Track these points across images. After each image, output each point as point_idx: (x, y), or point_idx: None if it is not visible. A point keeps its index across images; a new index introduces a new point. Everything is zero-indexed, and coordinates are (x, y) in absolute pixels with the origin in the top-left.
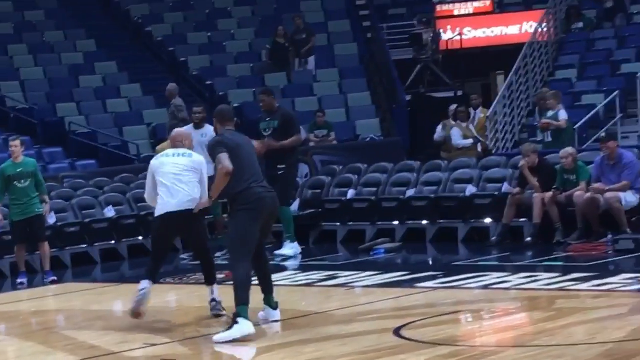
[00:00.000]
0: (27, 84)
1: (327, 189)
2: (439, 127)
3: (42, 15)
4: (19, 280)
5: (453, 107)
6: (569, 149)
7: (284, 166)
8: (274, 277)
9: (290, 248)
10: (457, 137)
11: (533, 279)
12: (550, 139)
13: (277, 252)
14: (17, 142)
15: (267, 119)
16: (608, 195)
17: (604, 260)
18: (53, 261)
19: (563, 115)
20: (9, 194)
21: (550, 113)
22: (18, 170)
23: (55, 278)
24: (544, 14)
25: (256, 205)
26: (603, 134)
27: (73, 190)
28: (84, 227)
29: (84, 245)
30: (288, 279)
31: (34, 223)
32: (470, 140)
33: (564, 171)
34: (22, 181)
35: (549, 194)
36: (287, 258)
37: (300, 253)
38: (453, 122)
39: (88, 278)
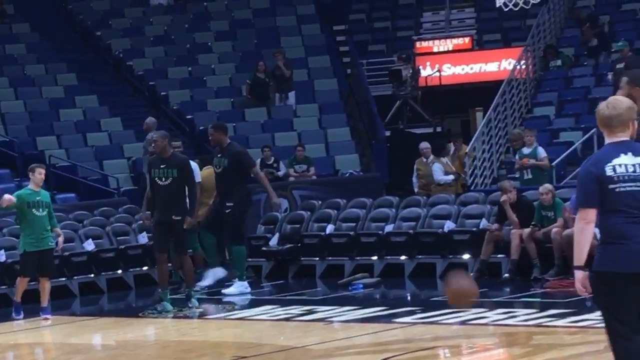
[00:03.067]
0: (7, 117)
1: (306, 223)
2: (415, 167)
3: (23, 48)
4: (14, 316)
5: (423, 144)
6: (548, 186)
7: (231, 204)
8: (253, 311)
9: (238, 287)
10: (439, 172)
11: (511, 314)
12: (530, 176)
13: (224, 291)
14: (44, 170)
15: (219, 155)
16: None
17: (581, 297)
18: (31, 294)
19: (542, 153)
20: (24, 223)
21: (527, 150)
22: (37, 198)
23: (48, 316)
24: (522, 52)
25: None
26: None
27: None
28: (64, 260)
29: (64, 279)
30: (266, 313)
31: (44, 256)
32: (452, 176)
33: (542, 207)
34: (41, 210)
35: (527, 230)
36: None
37: (249, 292)
38: (425, 160)
39: (67, 311)
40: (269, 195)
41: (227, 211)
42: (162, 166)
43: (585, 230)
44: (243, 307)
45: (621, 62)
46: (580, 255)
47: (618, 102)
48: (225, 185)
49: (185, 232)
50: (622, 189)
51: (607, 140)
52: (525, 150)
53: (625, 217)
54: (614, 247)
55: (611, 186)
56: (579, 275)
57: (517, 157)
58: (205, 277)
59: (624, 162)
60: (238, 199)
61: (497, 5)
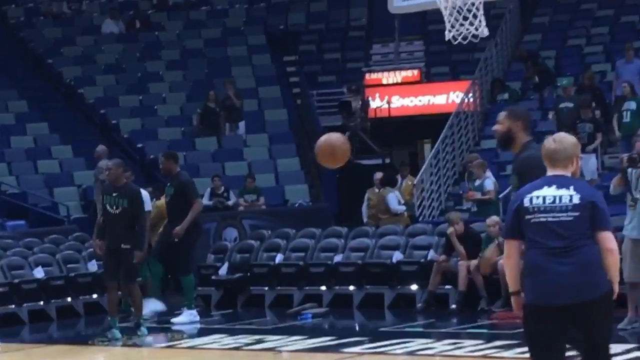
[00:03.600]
0: None
1: (255, 253)
2: (366, 196)
3: None
4: None
5: (378, 175)
6: (495, 218)
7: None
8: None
9: (188, 316)
10: (395, 202)
11: (457, 345)
12: (475, 209)
13: (173, 320)
14: None
15: (168, 184)
16: None
17: None
18: None
19: (489, 185)
20: None
21: (476, 182)
22: None
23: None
24: (470, 85)
25: None
26: None
27: (2, 250)
28: (13, 288)
29: (13, 306)
30: (216, 342)
31: None
32: (404, 207)
33: (489, 240)
34: None
35: (474, 261)
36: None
37: (198, 321)
38: (377, 190)
39: (16, 339)
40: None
41: (175, 240)
42: (114, 194)
43: (507, 259)
44: (192, 336)
45: (564, 102)
46: (510, 283)
47: (564, 137)
48: (173, 215)
49: (133, 260)
50: (536, 220)
51: (547, 174)
52: (476, 183)
53: (540, 249)
54: (531, 280)
55: (527, 217)
56: (513, 300)
57: (469, 185)
58: (181, 315)
59: (542, 194)
60: (188, 229)
61: (447, 38)
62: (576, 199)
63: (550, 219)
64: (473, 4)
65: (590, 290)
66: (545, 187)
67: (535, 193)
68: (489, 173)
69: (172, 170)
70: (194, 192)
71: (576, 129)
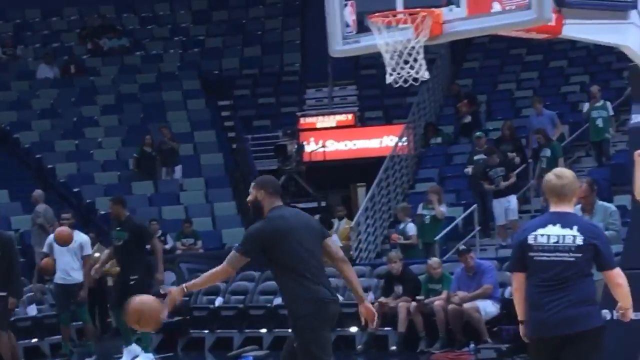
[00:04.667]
0: None
1: (194, 296)
2: None
3: None
4: None
5: (315, 217)
6: (437, 260)
7: (136, 276)
8: None
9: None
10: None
11: None
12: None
13: None
14: None
15: (117, 229)
16: (467, 305)
17: None
18: None
19: (411, 230)
20: None
21: (400, 226)
22: None
23: None
24: (404, 129)
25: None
26: (462, 247)
27: None
28: None
29: None
30: None
31: None
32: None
33: (429, 280)
34: None
35: (414, 303)
36: None
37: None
38: None
39: None
40: (158, 269)
41: (131, 283)
42: None
43: (515, 292)
44: None
45: (478, 154)
46: (518, 312)
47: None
48: (126, 258)
49: (5, 308)
50: (539, 258)
51: (550, 210)
52: (400, 226)
53: (539, 285)
54: (530, 314)
55: (530, 254)
56: (520, 328)
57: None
58: (125, 354)
59: (547, 233)
60: (142, 271)
61: (387, 81)
62: (579, 240)
63: (553, 258)
64: (413, 48)
65: (582, 322)
66: (550, 226)
67: (540, 231)
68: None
69: (121, 215)
70: (149, 232)
71: (489, 177)
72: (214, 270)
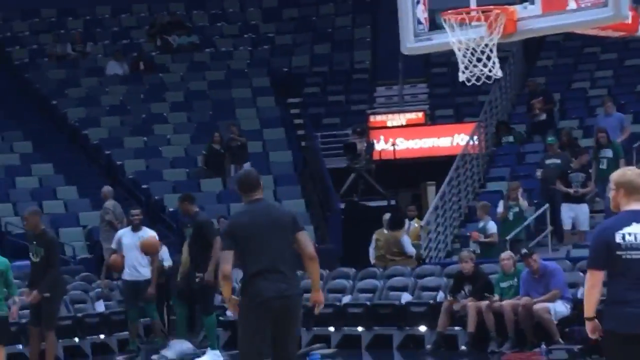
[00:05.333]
0: None
1: None
2: (374, 237)
3: None
4: None
5: (387, 216)
6: (508, 252)
7: (201, 274)
8: None
9: (212, 356)
10: (409, 244)
11: None
12: (478, 251)
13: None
14: None
15: (188, 226)
16: (537, 307)
17: None
18: None
19: (492, 228)
20: None
21: (480, 224)
22: None
23: None
24: (475, 127)
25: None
26: (525, 250)
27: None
28: (21, 328)
29: (20, 346)
30: None
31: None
32: (414, 250)
33: (501, 279)
34: None
35: (484, 302)
36: None
37: None
38: (386, 232)
39: None
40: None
41: (197, 281)
42: (33, 242)
43: (592, 288)
44: None
45: (550, 158)
46: (588, 308)
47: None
48: (196, 255)
49: (49, 307)
50: (628, 257)
51: (624, 208)
52: (479, 224)
53: (629, 282)
54: (616, 309)
55: (618, 252)
56: (588, 324)
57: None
58: (169, 347)
59: (634, 231)
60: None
61: (460, 79)
62: None
63: None
64: (487, 45)
65: None
66: (634, 224)
67: (627, 230)
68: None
69: (190, 211)
70: (213, 231)
71: (568, 180)
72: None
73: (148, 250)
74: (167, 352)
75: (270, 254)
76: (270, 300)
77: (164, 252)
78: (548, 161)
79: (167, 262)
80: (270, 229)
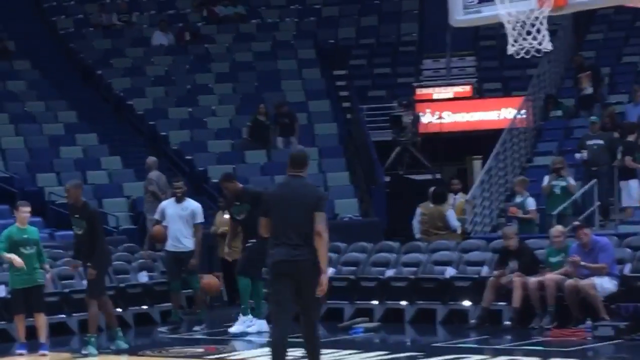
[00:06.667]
0: (7, 153)
1: None
2: (418, 211)
3: (23, 85)
4: (17, 351)
5: (432, 189)
6: (558, 228)
7: (254, 240)
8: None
9: (244, 322)
10: (454, 219)
11: None
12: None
13: (230, 330)
14: (29, 208)
15: (237, 203)
16: (583, 282)
17: (583, 346)
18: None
19: (531, 204)
20: None
21: (518, 199)
22: (24, 236)
23: (46, 352)
24: (523, 101)
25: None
26: (577, 222)
27: (52, 260)
28: (64, 298)
29: (63, 315)
30: (266, 355)
31: (33, 293)
32: (459, 224)
33: (552, 253)
34: (28, 248)
35: (530, 278)
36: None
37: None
38: (431, 205)
39: (66, 348)
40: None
41: (247, 245)
42: (75, 216)
43: None
44: (245, 348)
45: (592, 139)
46: None
47: None
48: (251, 232)
49: (95, 276)
50: None
51: None
52: (517, 199)
53: None
54: None
55: None
56: None
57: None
58: (238, 321)
59: None
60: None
61: (509, 52)
62: None
63: None
64: (537, 18)
65: None
66: None
67: None
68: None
69: (236, 189)
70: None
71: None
72: None
73: (209, 291)
74: (234, 328)
75: (289, 225)
76: (281, 263)
77: None
78: (590, 142)
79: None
80: (294, 204)
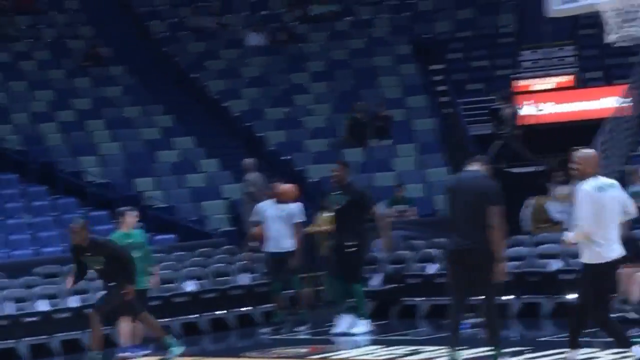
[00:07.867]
0: (104, 159)
1: (407, 264)
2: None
3: (120, 91)
4: (140, 352)
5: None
6: None
7: (353, 243)
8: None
9: (363, 325)
10: (555, 210)
11: (623, 355)
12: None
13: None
14: (137, 212)
15: (337, 192)
16: None
17: None
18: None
19: None
20: None
21: (635, 188)
22: (129, 240)
23: (126, 354)
24: (627, 89)
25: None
26: None
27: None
28: (166, 301)
29: (165, 319)
30: (370, 354)
31: (139, 297)
32: (561, 216)
33: None
34: (134, 252)
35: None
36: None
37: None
38: (534, 199)
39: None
40: (383, 239)
41: (347, 250)
42: (87, 254)
43: None
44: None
45: None
46: None
47: None
48: (343, 224)
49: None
50: None
51: None
52: (635, 188)
53: None
54: None
55: None
56: None
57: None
58: (339, 322)
59: None
60: (360, 238)
61: (607, 41)
62: None
63: None
64: (635, 6)
65: None
66: None
67: None
68: None
69: (344, 179)
70: (370, 200)
71: None
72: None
73: (283, 196)
74: (336, 329)
75: (461, 215)
76: (453, 252)
77: None
78: None
79: None
80: (465, 195)
